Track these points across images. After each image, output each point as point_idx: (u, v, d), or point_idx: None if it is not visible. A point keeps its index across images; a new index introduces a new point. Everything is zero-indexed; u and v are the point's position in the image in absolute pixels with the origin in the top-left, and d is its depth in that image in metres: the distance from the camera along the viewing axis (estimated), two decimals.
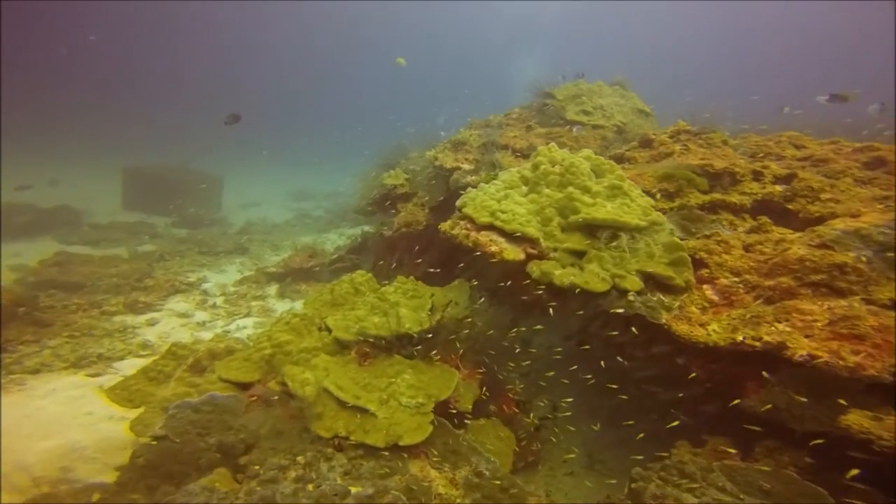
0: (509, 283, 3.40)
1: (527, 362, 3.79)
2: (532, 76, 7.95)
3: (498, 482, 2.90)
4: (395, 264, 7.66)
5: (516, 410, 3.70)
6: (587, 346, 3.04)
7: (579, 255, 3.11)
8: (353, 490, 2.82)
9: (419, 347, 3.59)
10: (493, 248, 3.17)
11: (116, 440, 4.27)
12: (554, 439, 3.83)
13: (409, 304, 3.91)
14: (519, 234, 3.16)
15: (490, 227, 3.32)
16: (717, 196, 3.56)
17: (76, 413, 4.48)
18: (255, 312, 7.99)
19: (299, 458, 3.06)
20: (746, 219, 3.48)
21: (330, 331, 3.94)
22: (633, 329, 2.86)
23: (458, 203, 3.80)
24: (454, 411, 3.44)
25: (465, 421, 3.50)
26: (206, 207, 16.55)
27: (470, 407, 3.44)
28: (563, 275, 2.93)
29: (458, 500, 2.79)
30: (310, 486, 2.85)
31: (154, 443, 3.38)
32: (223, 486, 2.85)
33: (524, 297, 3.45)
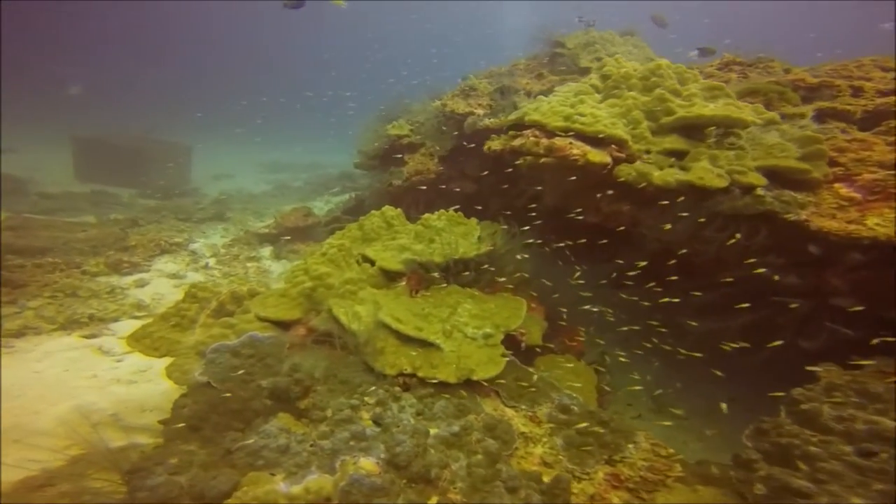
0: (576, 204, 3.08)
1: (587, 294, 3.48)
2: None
3: (594, 416, 2.54)
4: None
5: (580, 345, 3.38)
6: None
7: (678, 156, 2.80)
8: (433, 431, 2.48)
9: (477, 275, 3.23)
10: (575, 152, 2.80)
11: (132, 402, 3.76)
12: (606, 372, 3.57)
13: (456, 231, 3.53)
14: (603, 136, 2.79)
15: (565, 133, 2.94)
16: (823, 104, 3.24)
17: (80, 376, 3.91)
18: (252, 274, 7.35)
19: (367, 399, 2.67)
20: (854, 130, 3.15)
21: (372, 262, 3.51)
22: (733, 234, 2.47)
23: (514, 116, 3.40)
24: (523, 345, 3.11)
25: (534, 355, 3.18)
26: (174, 178, 15.17)
27: (539, 340, 3.11)
28: (666, 174, 2.61)
29: (545, 439, 2.44)
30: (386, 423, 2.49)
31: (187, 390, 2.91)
32: (295, 429, 2.45)
33: (593, 219, 3.14)
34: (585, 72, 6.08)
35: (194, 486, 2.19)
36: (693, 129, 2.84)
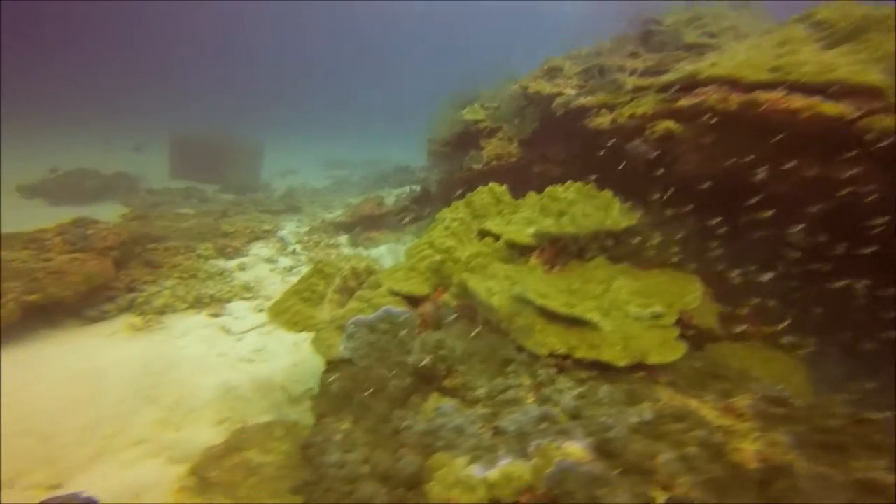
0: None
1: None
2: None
3: (827, 411, 1.91)
4: None
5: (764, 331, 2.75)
6: None
7: None
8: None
9: (629, 250, 2.88)
10: (797, 104, 2.29)
11: (261, 378, 3.77)
12: None
13: (590, 203, 3.18)
14: (841, 86, 2.21)
15: (769, 86, 2.43)
16: None
17: (212, 352, 4.00)
18: (334, 259, 7.37)
19: (523, 380, 2.38)
20: None
21: (496, 237, 3.24)
22: None
23: (673, 76, 2.91)
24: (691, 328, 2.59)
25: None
26: (248, 174, 15.81)
27: (715, 323, 2.59)
28: None
29: (756, 434, 1.88)
30: (557, 409, 2.18)
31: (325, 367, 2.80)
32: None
33: (784, 188, 2.56)
34: (691, 48, 5.38)
35: (377, 466, 2.03)
36: None
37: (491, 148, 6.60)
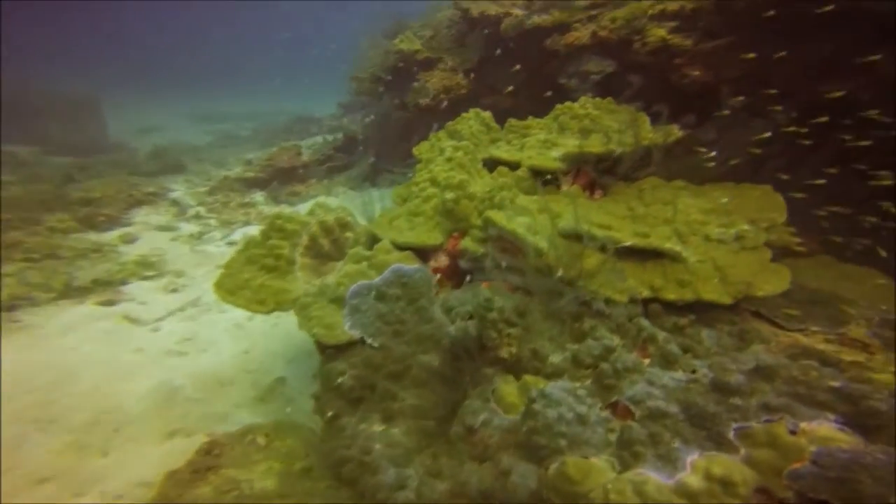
0: None
1: None
2: None
3: None
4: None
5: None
6: None
7: None
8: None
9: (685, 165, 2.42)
10: None
11: (204, 375, 2.65)
12: None
13: (617, 119, 2.63)
14: None
15: None
16: None
17: (124, 350, 2.68)
18: (255, 220, 5.84)
19: (615, 339, 1.78)
20: None
21: (513, 166, 2.54)
22: None
23: None
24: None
25: None
26: (90, 132, 11.79)
27: (791, 240, 2.16)
28: None
29: (892, 367, 1.57)
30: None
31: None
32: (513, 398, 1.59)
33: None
34: None
35: (466, 483, 1.31)
36: None
37: (436, 80, 5.61)
